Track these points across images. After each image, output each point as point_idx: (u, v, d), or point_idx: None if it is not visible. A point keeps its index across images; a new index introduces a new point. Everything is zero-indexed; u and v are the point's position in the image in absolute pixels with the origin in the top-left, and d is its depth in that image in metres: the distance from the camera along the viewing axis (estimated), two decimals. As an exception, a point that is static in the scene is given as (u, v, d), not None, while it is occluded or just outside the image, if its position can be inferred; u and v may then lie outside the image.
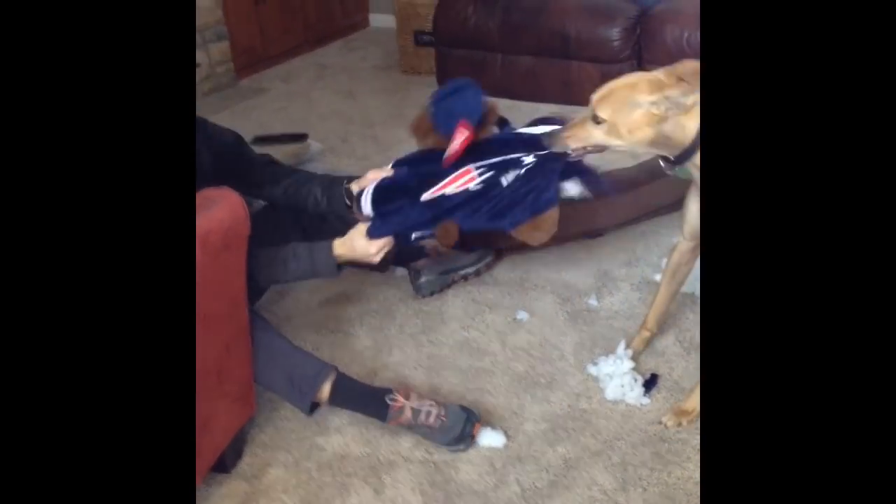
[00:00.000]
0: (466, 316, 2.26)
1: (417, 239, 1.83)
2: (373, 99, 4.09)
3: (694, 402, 1.82)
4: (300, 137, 3.12)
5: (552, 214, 1.70)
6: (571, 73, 3.67)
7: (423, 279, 2.33)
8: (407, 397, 1.79)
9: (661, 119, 1.48)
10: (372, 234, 1.81)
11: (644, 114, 1.49)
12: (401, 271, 2.41)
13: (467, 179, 1.72)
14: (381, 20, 5.23)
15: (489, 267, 2.42)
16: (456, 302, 2.33)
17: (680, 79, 1.47)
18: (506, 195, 1.70)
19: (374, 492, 1.70)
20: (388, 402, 1.78)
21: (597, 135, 1.55)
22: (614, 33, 3.47)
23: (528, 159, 1.68)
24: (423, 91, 4.08)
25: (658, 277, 2.34)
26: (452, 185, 1.73)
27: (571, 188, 1.75)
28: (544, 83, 3.75)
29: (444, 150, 1.74)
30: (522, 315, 2.24)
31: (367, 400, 1.81)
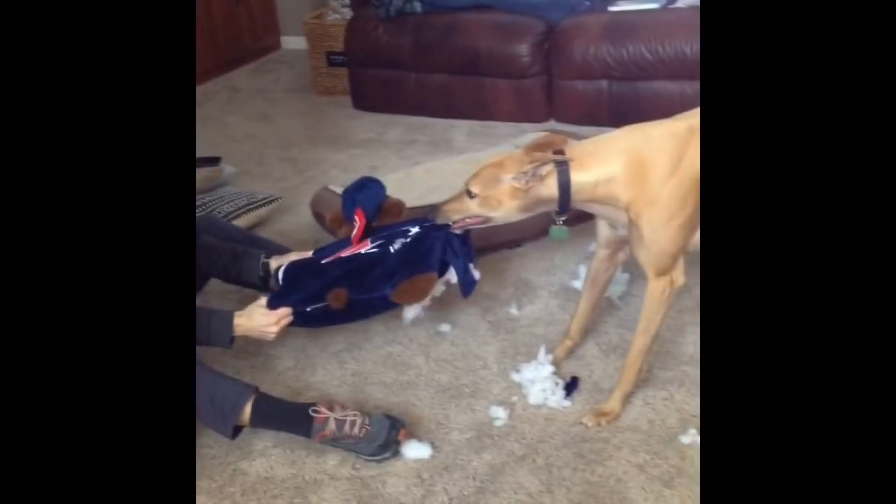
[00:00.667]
0: (389, 331, 2.26)
1: (314, 312, 1.91)
2: (288, 121, 4.07)
3: (612, 405, 1.86)
4: (213, 161, 3.07)
5: (426, 277, 1.88)
6: (484, 90, 3.74)
7: None
8: (331, 409, 1.78)
9: (525, 191, 1.65)
10: (271, 304, 1.88)
11: (508, 188, 1.66)
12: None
13: (361, 246, 1.93)
14: (293, 42, 5.22)
15: None
16: (378, 318, 2.32)
17: (535, 151, 1.65)
18: (391, 263, 1.89)
19: (301, 512, 1.68)
20: (312, 414, 1.76)
21: (472, 207, 1.71)
22: (523, 49, 3.56)
23: (414, 230, 1.90)
24: (339, 111, 4.11)
25: (576, 284, 2.40)
26: (348, 251, 1.93)
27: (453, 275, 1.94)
28: (458, 100, 3.81)
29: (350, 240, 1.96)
30: (445, 327, 2.25)
31: (290, 416, 1.79)
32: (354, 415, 1.77)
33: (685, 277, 1.77)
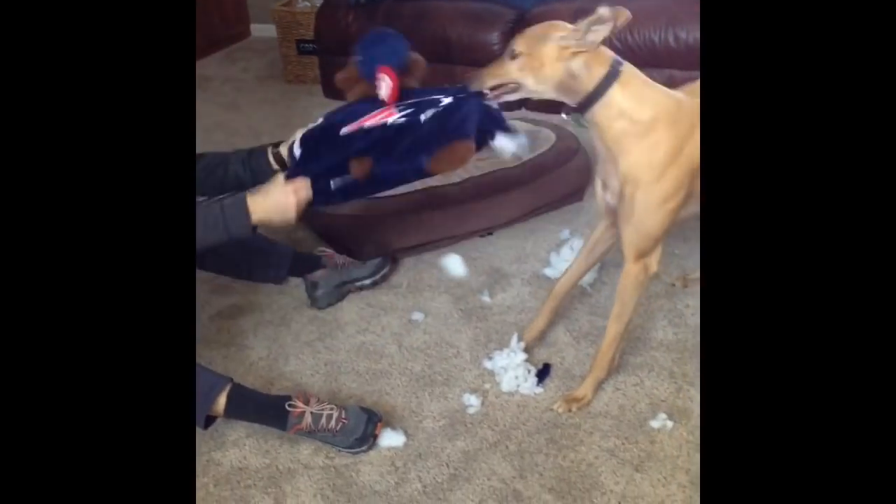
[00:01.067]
0: (362, 320, 2.27)
1: (339, 189, 1.77)
2: (258, 110, 4.04)
3: (584, 391, 1.88)
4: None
5: (465, 145, 1.72)
6: (455, 77, 3.72)
7: (319, 291, 2.32)
8: (307, 402, 1.78)
9: (570, 56, 1.55)
10: (290, 174, 1.75)
11: (554, 48, 1.56)
12: (295, 281, 2.39)
13: (387, 114, 1.75)
14: (263, 30, 5.17)
15: (385, 278, 2.43)
16: (351, 307, 2.33)
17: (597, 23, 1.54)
18: (422, 132, 1.73)
19: (275, 501, 1.68)
20: (288, 408, 1.76)
21: (512, 70, 1.61)
22: (494, 37, 3.56)
23: (446, 100, 1.73)
24: (309, 99, 4.08)
25: (547, 272, 2.42)
26: (372, 120, 1.75)
27: (507, 144, 1.77)
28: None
29: (373, 98, 1.78)
30: (418, 316, 2.26)
31: (266, 409, 1.79)
32: (331, 408, 1.77)
33: (658, 265, 1.77)
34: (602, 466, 1.71)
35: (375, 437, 1.78)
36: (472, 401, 1.91)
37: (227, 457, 1.80)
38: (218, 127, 3.81)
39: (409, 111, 1.74)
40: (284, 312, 2.32)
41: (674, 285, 2.31)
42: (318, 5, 4.06)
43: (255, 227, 1.76)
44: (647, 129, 1.59)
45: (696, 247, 2.47)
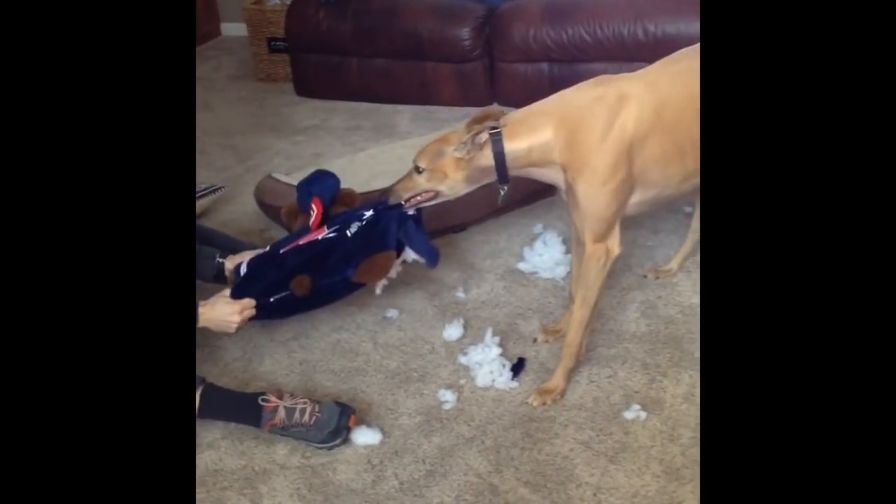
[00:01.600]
0: (336, 318, 2.26)
1: (276, 302, 1.93)
2: (230, 108, 4.01)
3: (556, 381, 1.90)
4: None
5: (386, 256, 1.92)
6: (427, 74, 3.74)
7: None
8: (280, 397, 1.78)
9: (467, 161, 1.73)
10: (235, 293, 1.91)
11: (451, 160, 1.75)
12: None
13: (318, 233, 1.97)
14: (233, 28, 5.12)
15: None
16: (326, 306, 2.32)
17: (474, 124, 1.73)
18: (349, 246, 1.92)
19: (252, 502, 1.68)
20: (262, 403, 1.76)
21: (421, 182, 1.80)
22: (465, 33, 3.56)
23: (368, 213, 1.94)
24: (281, 98, 4.07)
25: (521, 266, 2.43)
26: (306, 239, 1.97)
27: (414, 256, 1.98)
28: (401, 84, 3.80)
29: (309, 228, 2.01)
30: (392, 313, 2.26)
31: (240, 406, 1.79)
32: (304, 402, 1.78)
33: (620, 247, 1.82)
34: (577, 458, 1.72)
35: (349, 429, 1.79)
36: (448, 396, 1.92)
37: (203, 459, 1.80)
38: (189, 127, 3.78)
39: (336, 227, 1.96)
40: (258, 312, 2.31)
41: (646, 277, 2.33)
42: (288, 3, 4.04)
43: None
44: (556, 137, 1.72)
45: (667, 238, 2.49)
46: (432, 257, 1.95)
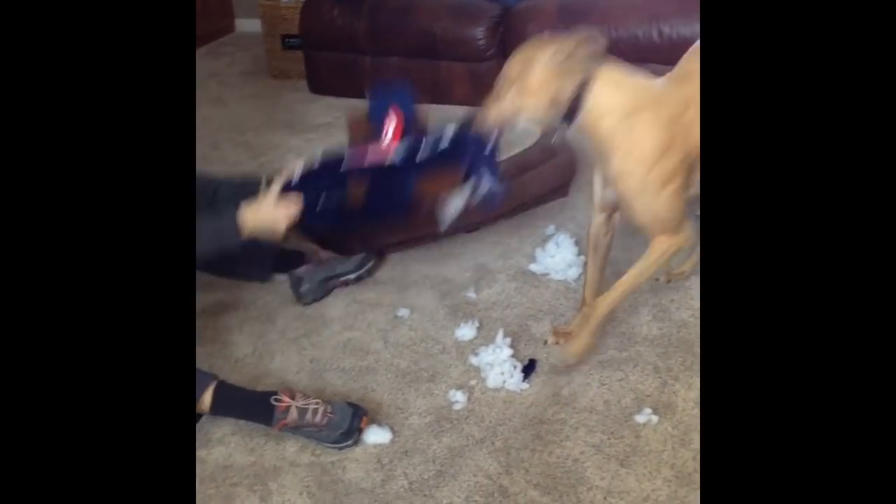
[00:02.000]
0: (348, 316, 2.26)
1: (324, 208, 1.85)
2: (243, 104, 4.02)
3: (582, 339, 1.94)
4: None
5: (454, 171, 1.80)
6: (440, 73, 3.73)
7: (304, 287, 2.32)
8: (292, 397, 1.78)
9: (561, 73, 1.60)
10: (286, 189, 1.83)
11: (547, 67, 1.60)
12: (281, 277, 2.38)
13: (386, 153, 1.85)
14: (248, 25, 5.14)
15: (370, 272, 2.42)
16: (337, 303, 2.32)
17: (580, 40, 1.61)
18: (416, 170, 1.83)
19: (261, 499, 1.68)
20: (274, 402, 1.76)
21: (510, 100, 1.65)
22: (479, 32, 3.56)
23: (443, 144, 1.83)
24: (294, 95, 4.07)
25: (532, 267, 2.42)
26: (372, 157, 1.84)
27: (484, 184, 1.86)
28: (415, 83, 3.77)
29: (374, 143, 1.89)
30: (403, 312, 2.26)
31: (252, 404, 1.79)
32: (316, 402, 1.78)
33: (694, 236, 1.80)
34: (588, 462, 1.72)
35: (361, 430, 1.79)
36: (458, 397, 1.92)
37: (213, 455, 1.80)
38: (203, 122, 3.78)
39: (406, 151, 1.85)
40: (270, 309, 2.31)
41: (658, 280, 2.32)
42: (302, 0, 4.04)
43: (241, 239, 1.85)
44: (632, 122, 1.63)
45: (681, 242, 2.48)
46: (494, 200, 1.85)
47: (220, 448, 1.81)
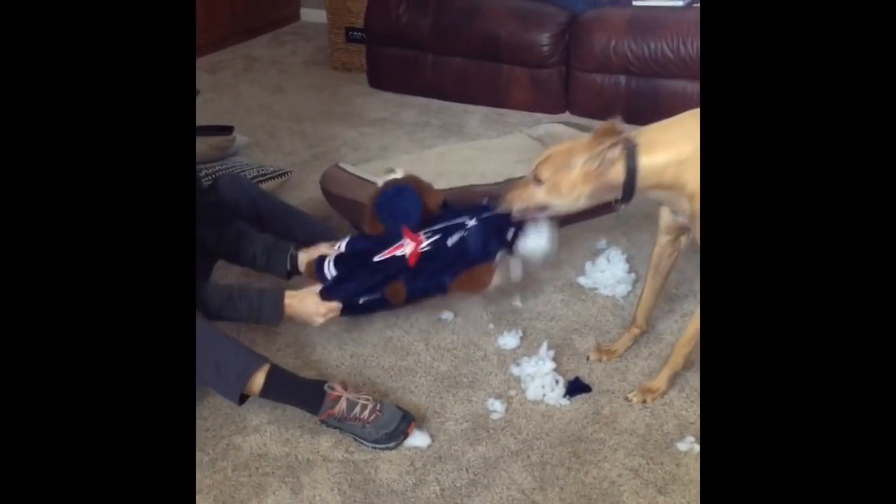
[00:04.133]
0: (391, 315, 2.25)
1: (365, 303, 1.94)
2: (302, 94, 4.04)
3: (660, 383, 1.91)
4: (226, 130, 3.05)
5: (487, 268, 1.87)
6: (501, 76, 3.71)
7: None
8: (345, 388, 1.79)
9: (596, 175, 1.64)
10: (327, 295, 1.92)
11: (580, 172, 1.64)
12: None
13: (416, 242, 1.90)
14: (313, 15, 5.17)
15: None
16: (380, 301, 2.31)
17: (602, 138, 1.63)
18: (449, 254, 1.88)
19: (292, 491, 1.68)
20: (327, 390, 1.77)
21: (538, 195, 1.69)
22: (544, 38, 3.52)
23: (471, 223, 1.88)
24: (354, 87, 4.08)
25: (581, 280, 2.38)
26: (402, 249, 1.91)
27: (515, 269, 1.94)
28: (474, 85, 3.78)
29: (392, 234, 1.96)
30: (447, 315, 2.24)
31: (303, 390, 1.80)
32: (367, 399, 1.78)
33: None
34: (625, 486, 1.68)
35: (406, 435, 1.77)
36: (497, 406, 1.89)
37: (248, 442, 1.80)
38: (261, 109, 3.82)
39: (436, 238, 1.90)
40: (314, 301, 2.31)
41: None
42: (369, -6, 4.05)
43: (281, 318, 1.94)
44: (696, 157, 1.61)
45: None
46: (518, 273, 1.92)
47: (256, 436, 1.82)
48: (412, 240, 1.92)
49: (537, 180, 1.68)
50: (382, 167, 2.35)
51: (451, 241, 1.88)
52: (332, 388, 1.78)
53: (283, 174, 2.93)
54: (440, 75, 3.83)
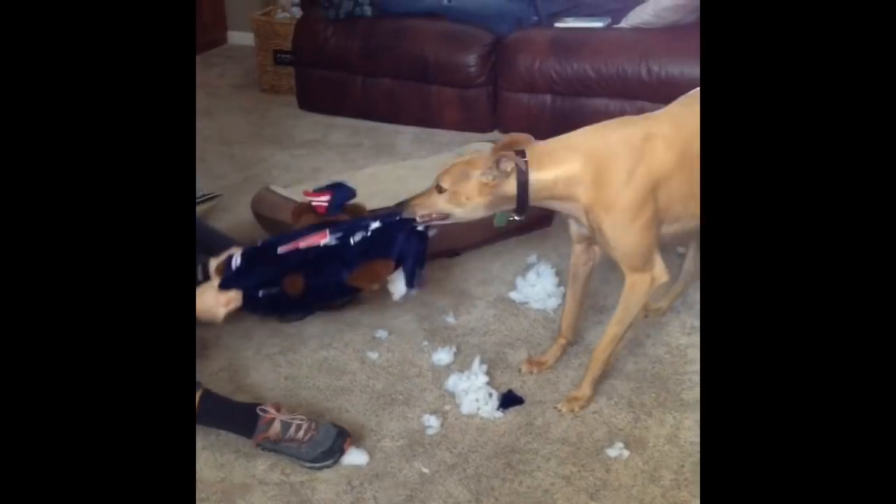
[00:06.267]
0: (325, 335, 2.26)
1: (265, 297, 1.93)
2: (231, 117, 4.01)
3: (584, 390, 1.96)
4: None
5: (384, 263, 1.90)
6: (431, 97, 3.76)
7: None
8: (278, 410, 1.78)
9: (492, 187, 1.72)
10: (224, 285, 1.90)
11: (476, 183, 1.73)
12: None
13: (320, 237, 1.92)
14: (240, 38, 5.14)
15: (354, 300, 2.41)
16: (315, 321, 2.32)
17: (501, 150, 1.72)
18: (349, 253, 1.90)
19: (228, 516, 1.67)
20: (260, 413, 1.77)
21: (440, 203, 1.77)
22: (471, 59, 3.59)
23: (374, 224, 1.92)
24: (283, 110, 4.08)
25: (513, 295, 2.43)
26: (306, 241, 1.91)
27: (398, 287, 1.95)
28: (404, 105, 3.81)
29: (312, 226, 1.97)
30: (381, 333, 2.26)
31: (236, 414, 1.80)
32: (301, 419, 1.78)
33: (667, 274, 1.86)
34: (557, 493, 1.72)
35: (343, 451, 1.78)
36: (432, 422, 1.92)
37: (182, 469, 1.78)
38: (189, 132, 3.78)
39: (340, 234, 1.92)
40: (247, 324, 2.30)
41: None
42: (297, 17, 4.06)
43: None
44: (584, 173, 1.73)
45: (660, 278, 2.50)
46: (413, 282, 1.94)
47: (190, 462, 1.80)
48: (327, 197, 2.02)
49: (439, 189, 1.76)
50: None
51: (353, 240, 1.91)
52: (266, 411, 1.77)
53: (213, 197, 2.91)
54: (370, 96, 3.86)
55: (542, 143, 1.79)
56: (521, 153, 1.72)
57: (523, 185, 1.72)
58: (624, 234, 1.76)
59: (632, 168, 1.72)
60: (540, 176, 1.72)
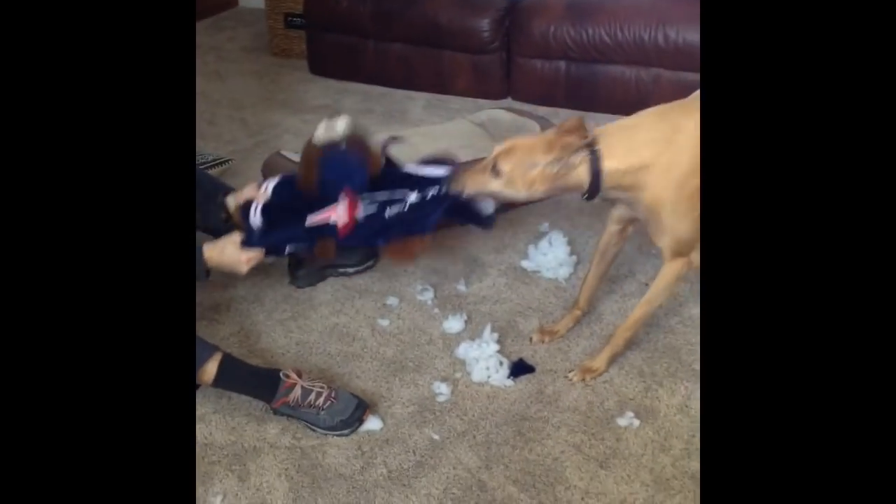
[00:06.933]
0: (336, 301, 2.26)
1: (290, 252, 1.92)
2: (242, 81, 3.99)
3: (599, 363, 1.96)
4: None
5: (420, 241, 1.88)
6: (443, 62, 3.72)
7: (302, 270, 2.30)
8: (300, 376, 1.80)
9: (556, 177, 1.66)
10: (247, 243, 1.87)
11: (540, 172, 1.66)
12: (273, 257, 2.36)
13: (351, 208, 1.87)
14: (251, 0, 5.09)
15: (369, 269, 2.40)
16: (326, 287, 2.32)
17: (567, 136, 1.65)
18: (384, 223, 1.87)
19: (239, 479, 1.68)
20: (283, 377, 1.77)
21: (494, 185, 1.70)
22: (484, 24, 3.54)
23: (412, 198, 1.86)
24: (294, 74, 4.04)
25: (525, 264, 2.42)
26: (337, 214, 1.86)
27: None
28: (416, 71, 3.78)
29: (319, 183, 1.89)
30: (392, 300, 2.26)
31: (257, 379, 1.81)
32: (322, 386, 1.79)
33: (699, 260, 1.82)
34: (567, 461, 1.72)
35: (362, 422, 1.79)
36: (443, 389, 1.92)
37: (193, 432, 1.79)
38: (200, 96, 3.75)
39: (373, 210, 1.87)
40: (259, 289, 2.30)
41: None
42: (308, -21, 4.01)
43: (207, 273, 1.89)
44: (651, 167, 1.67)
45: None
46: (489, 222, 1.91)
47: (201, 426, 1.81)
48: (350, 203, 1.86)
49: (495, 171, 1.68)
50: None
51: (388, 213, 1.86)
52: (288, 376, 1.78)
53: (224, 162, 2.90)
54: (382, 61, 3.82)
55: (608, 129, 1.71)
56: (584, 138, 1.65)
57: (596, 174, 1.65)
58: (681, 221, 1.72)
59: (697, 156, 1.64)
60: (611, 166, 1.65)
